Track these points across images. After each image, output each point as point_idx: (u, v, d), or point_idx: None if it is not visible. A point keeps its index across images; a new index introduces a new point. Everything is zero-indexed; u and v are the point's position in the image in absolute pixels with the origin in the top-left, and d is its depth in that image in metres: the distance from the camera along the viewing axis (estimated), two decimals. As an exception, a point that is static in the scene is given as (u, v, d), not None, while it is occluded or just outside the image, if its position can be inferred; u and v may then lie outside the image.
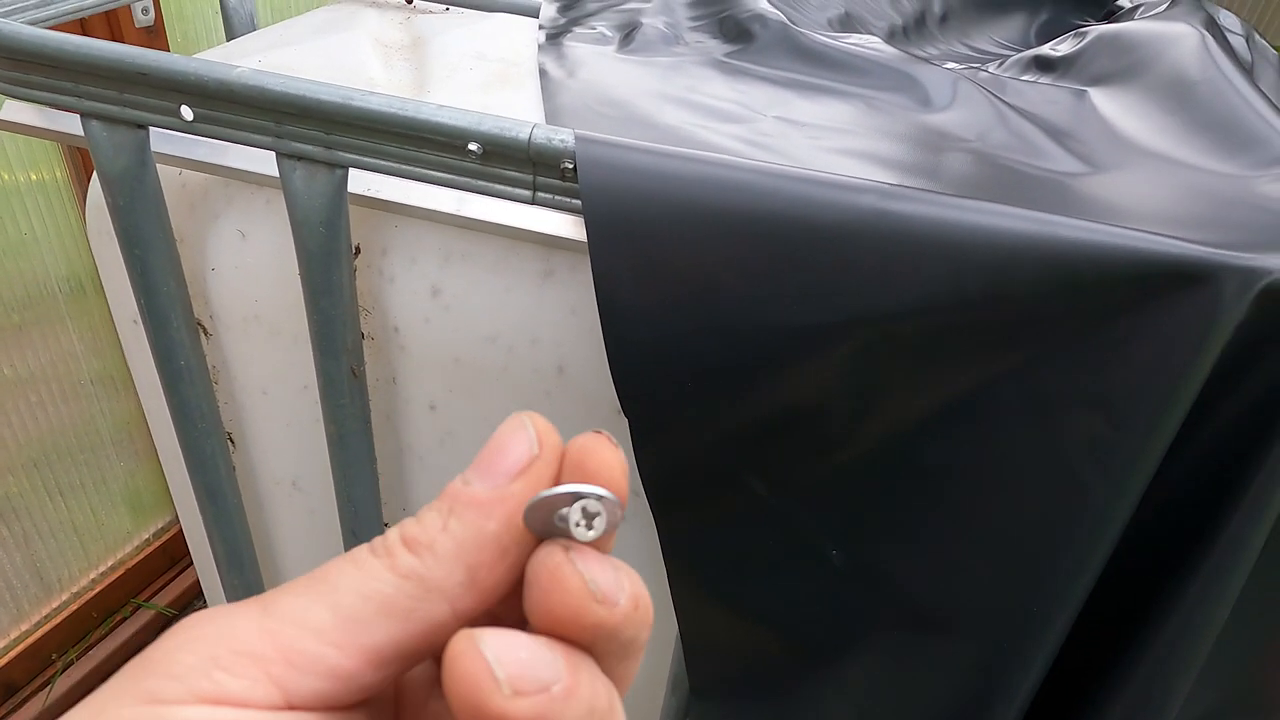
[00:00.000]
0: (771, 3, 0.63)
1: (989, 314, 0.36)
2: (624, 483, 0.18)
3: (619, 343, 0.39)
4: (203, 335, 0.52)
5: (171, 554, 1.26)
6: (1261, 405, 0.37)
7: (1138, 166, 0.49)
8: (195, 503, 0.57)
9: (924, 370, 0.38)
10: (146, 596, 1.23)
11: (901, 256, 0.36)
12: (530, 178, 0.38)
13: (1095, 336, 0.36)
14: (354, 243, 0.46)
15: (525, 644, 0.16)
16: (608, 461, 0.18)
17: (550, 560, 0.16)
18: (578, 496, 0.17)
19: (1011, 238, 0.35)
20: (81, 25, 0.93)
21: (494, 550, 0.17)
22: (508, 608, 0.18)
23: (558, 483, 0.18)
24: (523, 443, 0.18)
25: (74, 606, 1.14)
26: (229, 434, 0.57)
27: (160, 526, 1.25)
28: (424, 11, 0.67)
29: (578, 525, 0.17)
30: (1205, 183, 0.46)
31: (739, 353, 0.39)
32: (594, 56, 0.57)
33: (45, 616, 1.12)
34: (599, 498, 0.17)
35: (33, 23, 0.50)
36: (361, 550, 0.17)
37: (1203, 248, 0.34)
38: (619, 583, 0.16)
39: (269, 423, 0.55)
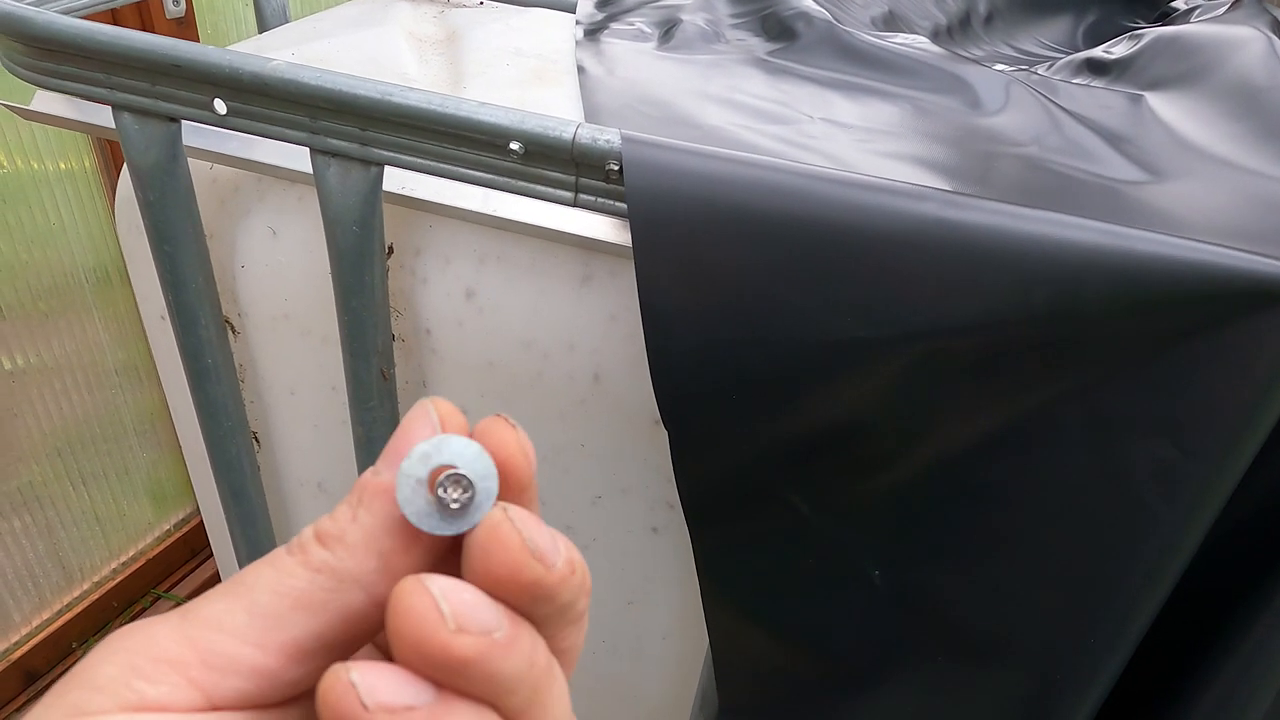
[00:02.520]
0: (816, 0, 0.61)
1: (1054, 331, 0.34)
2: (520, 461, 0.18)
3: (662, 351, 0.37)
4: (230, 333, 0.51)
5: (192, 545, 1.26)
6: (1343, 433, 0.35)
7: (1203, 175, 0.47)
8: (219, 500, 0.56)
9: (982, 389, 0.36)
10: (166, 587, 1.23)
11: (963, 268, 0.34)
12: (573, 179, 0.36)
13: (1167, 356, 0.34)
14: (387, 242, 0.45)
15: (470, 589, 0.16)
16: (504, 440, 0.18)
17: (490, 519, 0.17)
18: (442, 469, 0.17)
19: (1081, 250, 0.33)
20: (113, 16, 0.92)
21: (406, 534, 0.17)
22: None
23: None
24: (425, 427, 0.18)
25: (95, 596, 1.14)
26: (254, 433, 0.56)
27: (181, 517, 1.25)
28: (458, 5, 0.65)
29: (444, 500, 0.17)
30: (1276, 192, 0.44)
31: (786, 365, 0.37)
32: (633, 54, 0.56)
33: (67, 605, 1.12)
34: (456, 470, 0.17)
35: (64, 13, 0.49)
36: (278, 551, 0.18)
37: (1285, 265, 0.32)
38: (555, 545, 0.17)
39: (296, 423, 0.54)
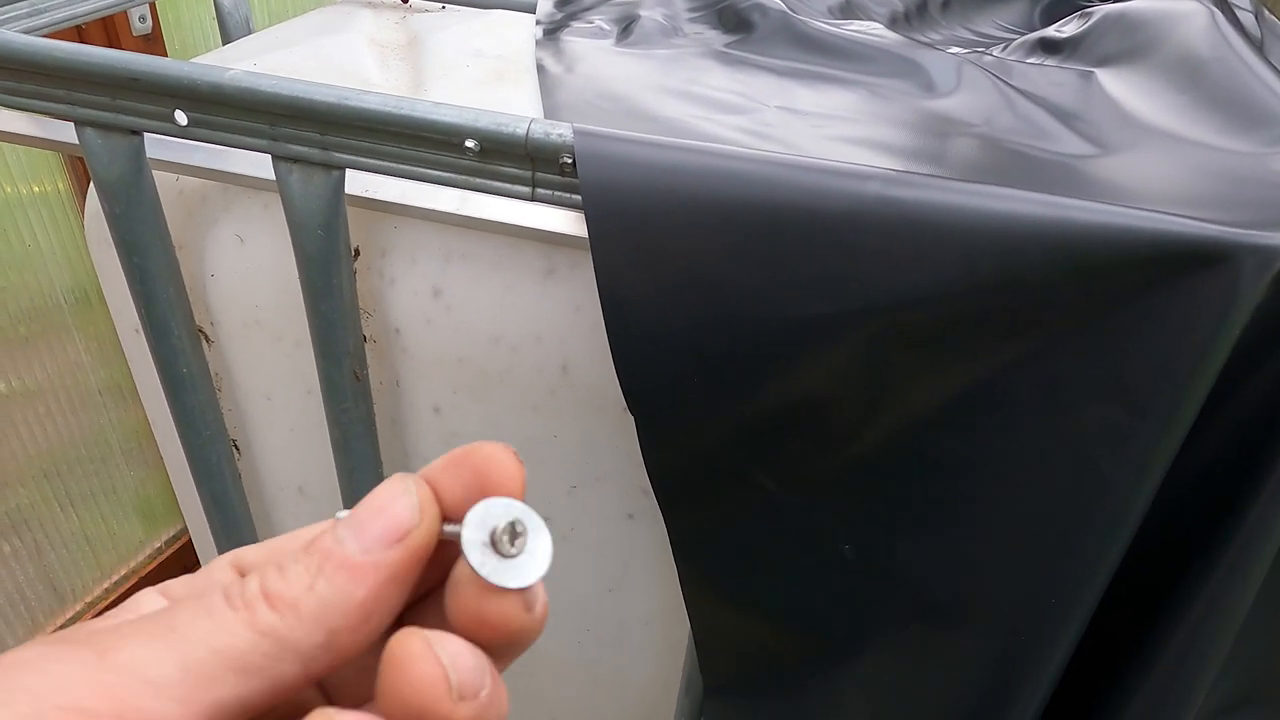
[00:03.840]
0: (771, -9, 0.62)
1: (1001, 300, 0.35)
2: (521, 496, 0.18)
3: (622, 338, 0.38)
4: (204, 342, 0.52)
5: (185, 562, 1.26)
6: (1283, 388, 0.36)
7: (1148, 147, 0.48)
8: (203, 511, 0.57)
9: (935, 359, 0.37)
10: (160, 605, 1.23)
11: (909, 244, 0.35)
12: (529, 174, 0.37)
13: (1110, 321, 0.35)
14: (353, 245, 0.45)
15: (469, 649, 0.16)
16: (510, 473, 0.18)
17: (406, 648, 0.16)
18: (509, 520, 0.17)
19: (1022, 222, 0.34)
20: (79, 35, 0.92)
21: (358, 616, 0.17)
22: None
23: (429, 556, 0.17)
24: (405, 509, 0.17)
25: (88, 617, 1.14)
26: (234, 440, 0.56)
27: (172, 534, 1.25)
28: (420, 10, 0.66)
29: (503, 552, 0.17)
30: (1219, 161, 0.45)
31: (745, 345, 0.38)
32: (592, 51, 0.57)
33: (59, 627, 1.12)
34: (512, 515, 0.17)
35: (25, 31, 0.50)
36: (217, 599, 0.17)
37: (1219, 227, 0.33)
38: (540, 592, 0.17)
39: (273, 429, 0.55)
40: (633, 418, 0.40)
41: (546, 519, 0.53)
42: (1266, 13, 0.70)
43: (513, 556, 0.17)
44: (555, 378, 0.45)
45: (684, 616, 0.47)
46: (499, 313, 0.44)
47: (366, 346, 0.47)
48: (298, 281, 0.43)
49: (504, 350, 0.45)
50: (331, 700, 0.20)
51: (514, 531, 0.17)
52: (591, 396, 0.45)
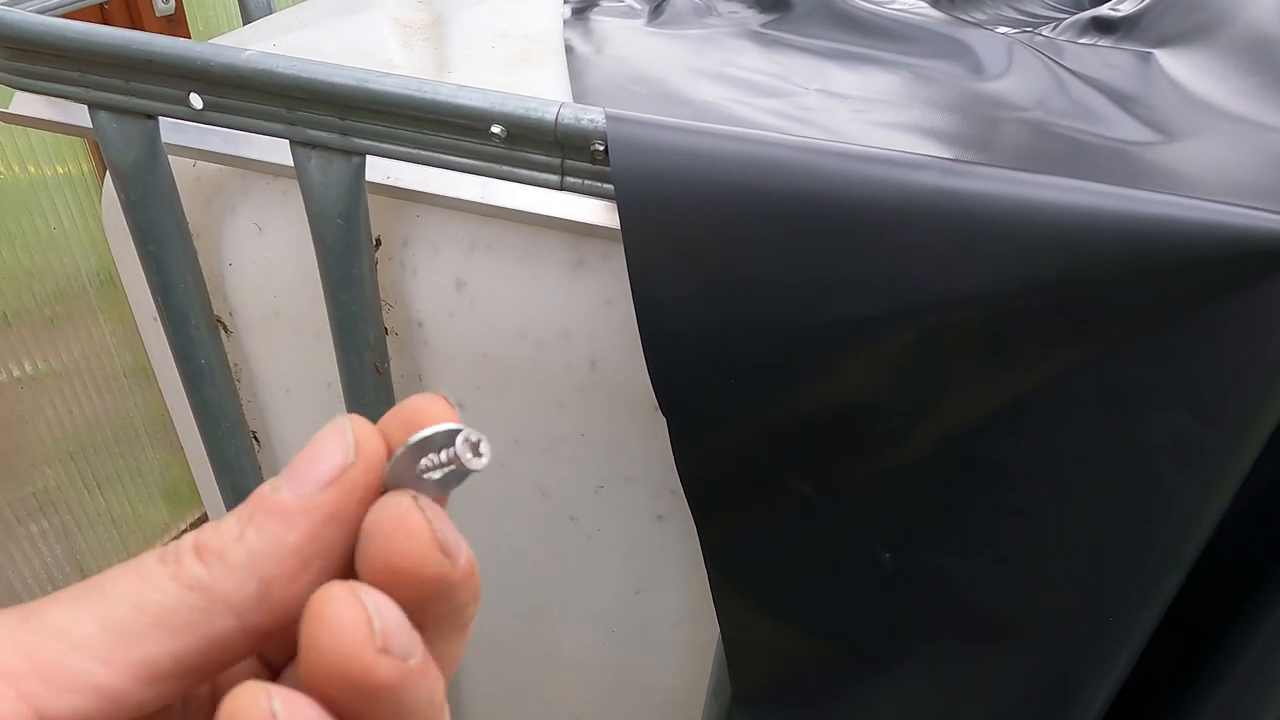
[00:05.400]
0: (809, -32, 0.59)
1: (1063, 300, 0.33)
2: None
3: (656, 336, 0.36)
4: (223, 332, 0.51)
5: (208, 544, 1.27)
6: (1369, 397, 0.34)
7: (1216, 132, 0.45)
8: (223, 502, 0.56)
9: (990, 362, 0.35)
10: (185, 587, 1.24)
11: (966, 239, 0.32)
12: (558, 161, 0.35)
13: (1181, 324, 0.33)
14: (374, 234, 0.44)
15: (395, 607, 0.15)
16: (443, 414, 0.17)
17: (397, 507, 0.16)
18: (455, 432, 0.16)
19: (1087, 215, 0.32)
20: (103, 16, 0.91)
21: (294, 563, 0.16)
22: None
23: (371, 496, 0.17)
24: (338, 448, 0.16)
25: (115, 598, 1.15)
26: (254, 432, 0.55)
27: (197, 518, 1.26)
28: (444, -11, 0.64)
29: (468, 457, 0.16)
30: (1295, 149, 0.42)
31: (785, 346, 0.36)
32: (622, 31, 0.54)
33: (87, 608, 1.13)
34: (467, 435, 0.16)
35: (42, 11, 0.48)
36: (148, 556, 0.16)
37: (1307, 223, 0.31)
38: (459, 540, 0.16)
39: (293, 421, 0.54)
40: (664, 418, 0.38)
41: (573, 519, 0.51)
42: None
43: (449, 466, 0.16)
44: (583, 374, 0.43)
45: (712, 620, 0.46)
46: (525, 306, 0.43)
47: (388, 339, 0.46)
48: (317, 272, 0.42)
49: (530, 345, 0.43)
50: (269, 661, 0.20)
51: (449, 442, 0.16)
52: (621, 394, 0.43)
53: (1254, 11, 0.52)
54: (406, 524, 0.15)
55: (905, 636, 0.43)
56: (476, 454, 0.16)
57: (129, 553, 1.17)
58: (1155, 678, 0.41)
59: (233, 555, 0.16)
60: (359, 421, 0.17)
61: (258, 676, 0.17)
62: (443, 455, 0.16)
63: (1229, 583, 0.38)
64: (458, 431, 0.16)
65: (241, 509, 0.16)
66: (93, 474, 1.08)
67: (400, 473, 0.16)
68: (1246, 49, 0.50)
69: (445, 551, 0.15)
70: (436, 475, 0.16)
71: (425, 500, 0.16)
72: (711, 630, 0.46)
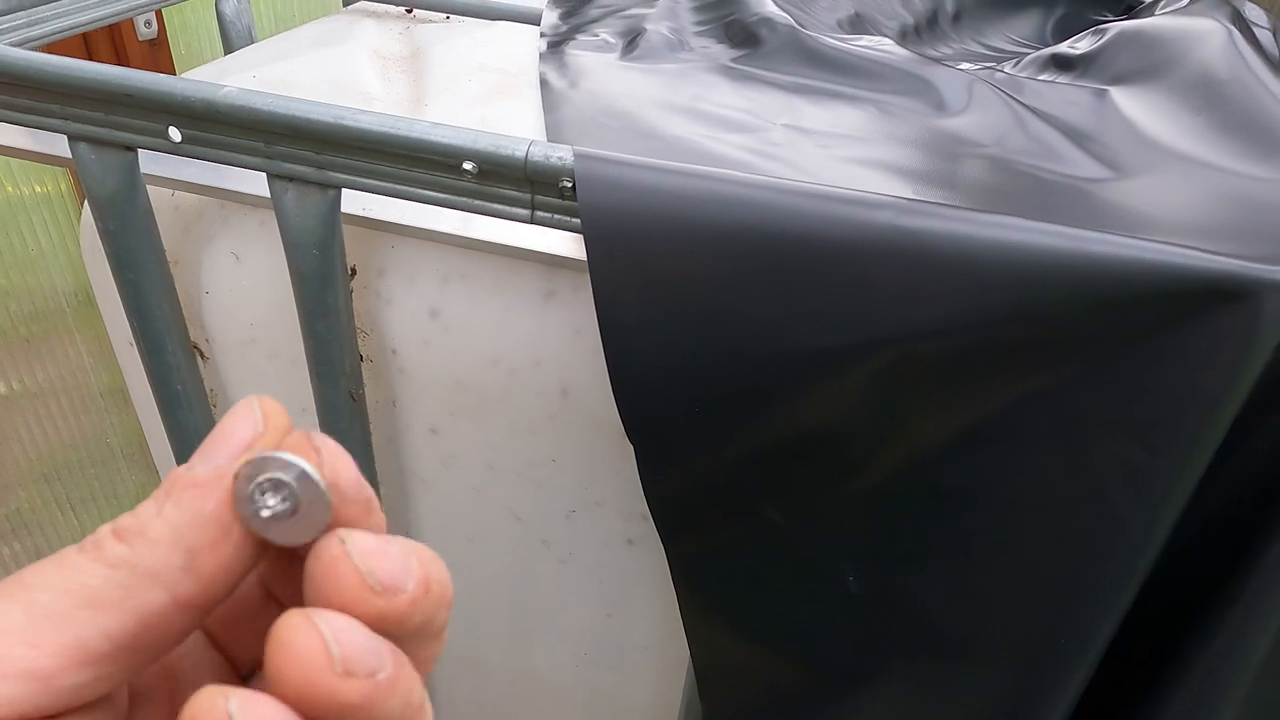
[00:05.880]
0: (779, 5, 0.61)
1: (1015, 334, 0.34)
2: (351, 478, 0.17)
3: (622, 366, 0.37)
4: (199, 358, 0.51)
5: (183, 566, 1.26)
6: (1305, 427, 0.35)
7: (1165, 170, 0.47)
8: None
9: (947, 393, 0.36)
10: (159, 609, 1.23)
11: (922, 275, 0.34)
12: (528, 196, 0.36)
13: (1128, 357, 0.34)
14: (350, 264, 0.44)
15: (358, 627, 0.15)
16: (334, 458, 0.17)
17: (325, 554, 0.16)
18: (265, 464, 0.16)
19: (1037, 254, 0.33)
20: (85, 41, 0.92)
21: (215, 530, 0.16)
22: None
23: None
24: (247, 421, 0.17)
25: (86, 621, 1.14)
26: (229, 457, 0.56)
27: (172, 539, 1.25)
28: (424, 21, 0.65)
29: (263, 501, 0.16)
30: (1238, 187, 0.44)
31: (750, 376, 0.37)
32: (597, 65, 0.56)
33: (58, 631, 1.11)
34: (286, 463, 0.16)
35: (22, 42, 0.49)
36: (66, 550, 0.17)
37: (1241, 262, 0.32)
38: (407, 566, 0.16)
39: (269, 446, 0.54)
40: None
41: (545, 543, 0.52)
42: (1286, 30, 0.68)
43: (266, 516, 0.16)
44: (555, 401, 0.44)
45: (683, 643, 0.46)
46: (498, 335, 0.43)
47: (363, 366, 0.47)
48: (294, 300, 0.42)
49: (502, 373, 0.44)
50: (237, 666, 0.20)
51: (277, 490, 0.16)
52: (591, 421, 0.44)
53: (1204, 53, 0.54)
54: (335, 571, 0.16)
55: (874, 658, 0.44)
56: (281, 500, 0.16)
57: (102, 575, 1.16)
58: (1110, 695, 0.42)
59: (153, 530, 0.16)
60: (267, 399, 0.18)
61: (225, 682, 0.18)
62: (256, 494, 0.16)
63: (1179, 604, 0.40)
64: (268, 464, 0.16)
65: (157, 492, 0.17)
66: (67, 496, 1.07)
67: (243, 505, 0.17)
68: (1195, 89, 0.52)
69: (382, 591, 0.16)
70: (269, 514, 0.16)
71: (357, 539, 0.16)
72: (682, 652, 0.47)
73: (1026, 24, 0.82)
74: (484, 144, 0.35)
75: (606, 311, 0.36)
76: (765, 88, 0.54)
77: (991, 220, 0.34)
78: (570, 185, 0.35)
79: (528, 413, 0.45)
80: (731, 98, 0.53)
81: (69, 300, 1.01)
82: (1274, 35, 0.66)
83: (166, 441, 0.52)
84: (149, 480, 1.17)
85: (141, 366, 0.49)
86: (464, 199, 0.37)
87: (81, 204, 0.99)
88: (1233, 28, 0.54)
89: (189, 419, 0.50)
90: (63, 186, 0.98)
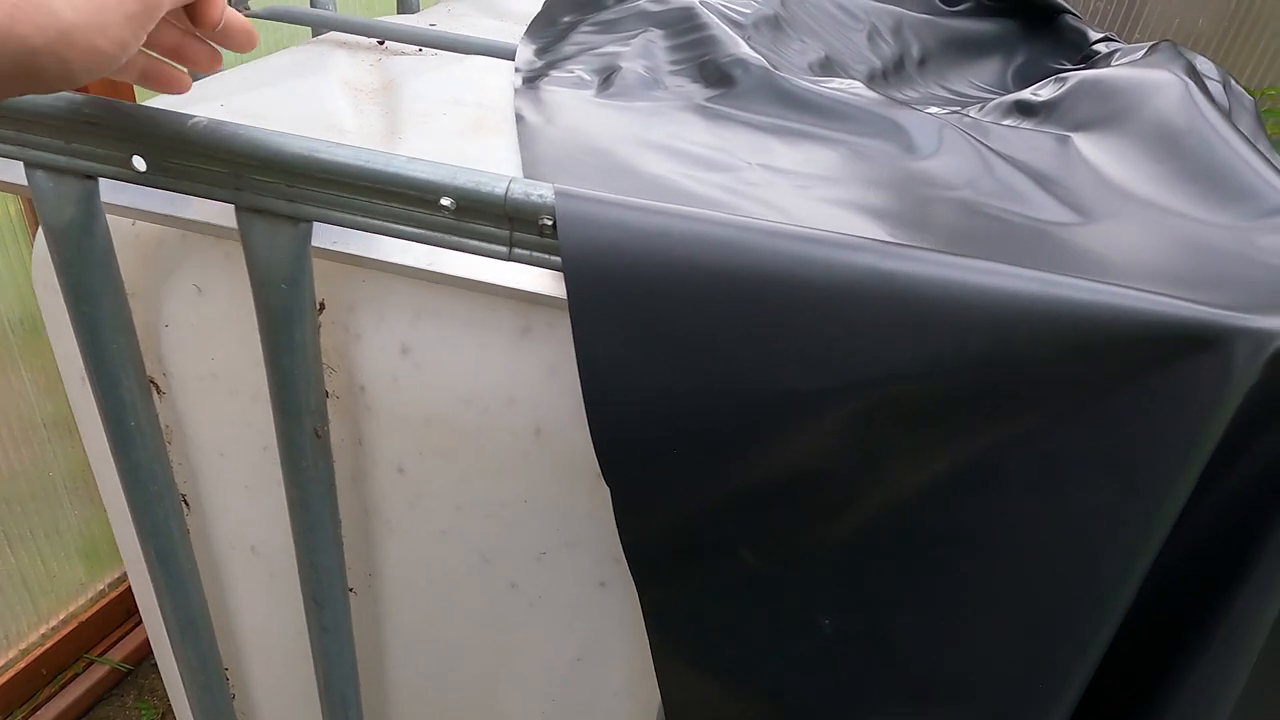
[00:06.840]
0: (752, 46, 0.62)
1: (994, 377, 0.34)
2: None
3: (600, 405, 0.37)
4: (155, 393, 0.49)
5: (128, 605, 1.20)
6: (1273, 470, 0.36)
7: (1129, 216, 0.48)
8: (144, 565, 0.54)
9: (926, 436, 0.36)
10: (100, 651, 1.17)
11: (902, 318, 0.34)
12: (507, 233, 0.36)
13: (1104, 401, 0.35)
14: (319, 298, 0.43)
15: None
16: None
17: None
18: None
19: (1016, 299, 0.33)
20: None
21: None
22: None
23: None
24: None
25: (22, 664, 1.08)
26: (183, 496, 0.53)
27: (116, 577, 1.20)
28: (396, 53, 0.65)
29: None
30: (1201, 234, 0.45)
31: (728, 418, 0.36)
32: (573, 101, 0.56)
33: (-10, 677, 1.06)
34: None
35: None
36: None
37: (1212, 310, 0.33)
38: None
39: (227, 485, 0.52)
40: (607, 486, 0.39)
41: (514, 586, 0.50)
42: (1233, 83, 0.71)
43: None
44: (528, 441, 0.43)
45: (655, 688, 0.45)
46: (471, 373, 0.43)
47: (329, 402, 0.45)
48: (257, 333, 0.41)
49: (475, 411, 0.43)
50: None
51: None
52: (565, 461, 0.43)
53: (1160, 104, 0.56)
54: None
55: (847, 702, 0.43)
56: None
57: (40, 615, 1.10)
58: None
59: None
60: None
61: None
62: None
63: (1155, 643, 0.40)
64: None
65: None
66: (3, 532, 1.03)
67: None
68: (1154, 138, 0.54)
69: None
70: None
71: None
72: (654, 699, 0.46)
73: (988, 70, 0.85)
74: (463, 180, 0.35)
75: (585, 350, 0.35)
76: (740, 127, 0.55)
77: (969, 265, 0.34)
78: (550, 223, 0.34)
79: (500, 452, 0.44)
80: (707, 136, 0.53)
81: (14, 327, 0.98)
82: (1223, 87, 0.69)
83: (115, 478, 0.50)
84: (93, 515, 1.12)
85: (92, 402, 0.47)
86: (440, 234, 0.36)
87: (31, 229, 0.96)
88: (1189, 80, 0.56)
89: (142, 457, 0.48)
90: (11, 210, 0.95)
